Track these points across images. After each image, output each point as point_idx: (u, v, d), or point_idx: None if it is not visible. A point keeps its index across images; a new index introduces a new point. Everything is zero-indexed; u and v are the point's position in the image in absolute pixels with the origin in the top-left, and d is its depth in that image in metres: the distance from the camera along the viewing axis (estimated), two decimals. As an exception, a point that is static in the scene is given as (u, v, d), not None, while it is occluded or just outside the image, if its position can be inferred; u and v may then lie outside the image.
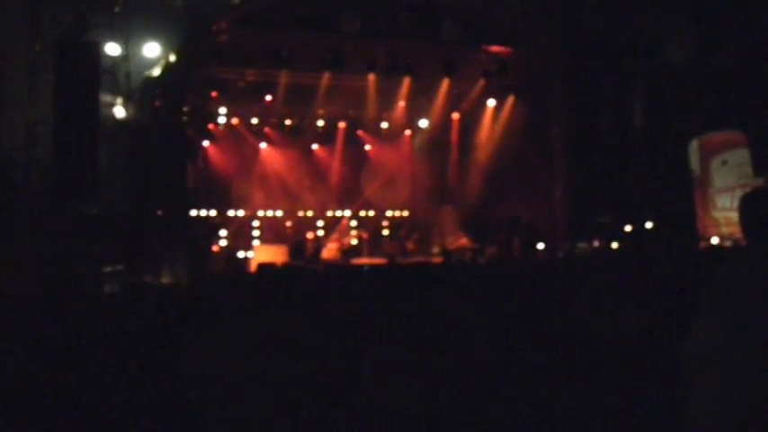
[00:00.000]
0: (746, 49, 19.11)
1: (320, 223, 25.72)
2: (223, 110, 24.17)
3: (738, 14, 18.80)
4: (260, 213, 25.35)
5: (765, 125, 18.75)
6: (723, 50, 19.79)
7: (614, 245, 20.44)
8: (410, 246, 24.87)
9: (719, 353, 3.55)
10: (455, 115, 26.26)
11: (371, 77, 22.42)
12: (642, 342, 4.99)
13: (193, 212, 20.29)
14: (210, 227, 22.64)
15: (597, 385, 4.61)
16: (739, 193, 19.79)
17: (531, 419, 4.45)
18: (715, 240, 20.21)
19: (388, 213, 27.57)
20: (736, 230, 19.29)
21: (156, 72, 19.26)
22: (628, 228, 21.38)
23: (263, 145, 25.34)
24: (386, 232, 27.11)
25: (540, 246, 22.12)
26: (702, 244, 19.99)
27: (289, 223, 25.66)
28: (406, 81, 22.85)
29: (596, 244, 20.78)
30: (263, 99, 23.68)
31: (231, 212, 24.86)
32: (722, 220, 20.75)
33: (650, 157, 21.37)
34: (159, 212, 19.16)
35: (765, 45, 18.54)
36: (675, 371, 3.77)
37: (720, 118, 20.17)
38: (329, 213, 26.32)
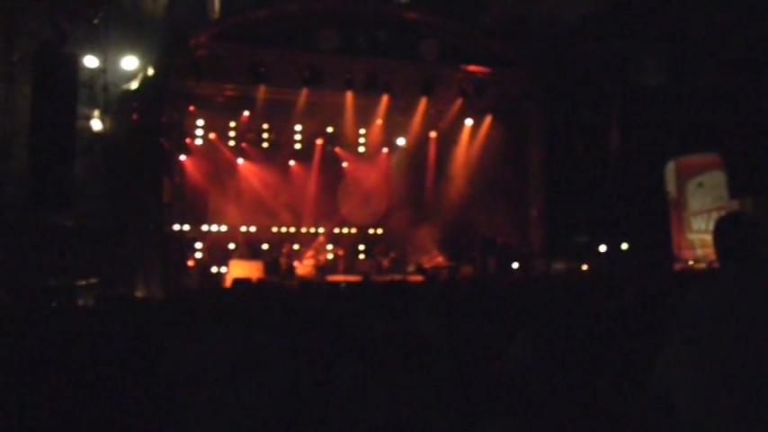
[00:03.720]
0: (722, 71, 19.26)
1: (296, 240, 25.65)
2: (200, 124, 24.13)
3: (714, 37, 18.95)
4: (236, 229, 25.30)
5: (742, 148, 18.89)
6: (699, 73, 19.94)
7: (585, 266, 20.51)
8: (385, 263, 24.85)
9: (689, 377, 3.56)
10: (432, 134, 26.32)
11: (349, 95, 22.43)
12: (615, 361, 4.99)
13: (169, 226, 20.18)
14: (186, 241, 22.53)
15: (574, 402, 4.61)
16: (715, 215, 19.97)
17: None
18: (690, 262, 20.32)
19: (365, 231, 27.57)
20: (710, 252, 19.28)
21: (134, 85, 19.23)
22: (602, 248, 21.47)
23: (240, 160, 25.31)
24: (362, 250, 27.11)
25: (515, 265, 22.19)
26: (677, 265, 20.09)
27: (264, 239, 25.63)
28: (384, 99, 22.85)
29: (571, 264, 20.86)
30: (240, 114, 23.67)
31: (206, 227, 24.80)
32: (697, 242, 20.90)
33: (626, 179, 21.49)
34: (134, 226, 19.09)
35: (741, 68, 18.69)
36: (646, 396, 3.78)
37: (697, 140, 20.32)
38: (305, 230, 26.29)
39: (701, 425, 3.48)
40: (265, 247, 25.20)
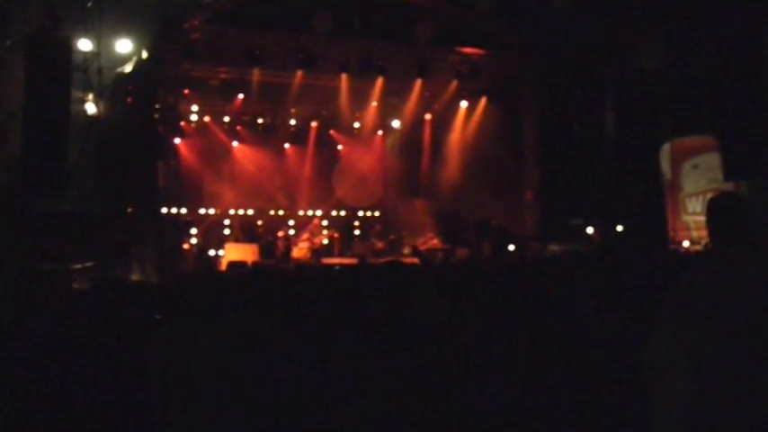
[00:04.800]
0: (718, 53, 19.23)
1: (291, 222, 25.67)
2: (195, 107, 24.13)
3: (710, 19, 18.91)
4: (231, 212, 25.31)
5: (736, 130, 18.88)
6: (694, 55, 19.91)
7: (584, 248, 20.50)
8: (380, 246, 24.87)
9: (680, 359, 3.54)
10: (427, 116, 26.35)
11: (344, 77, 22.38)
12: (611, 343, 5.00)
13: (164, 210, 20.15)
14: (181, 225, 22.50)
15: (569, 385, 4.62)
16: (710, 197, 19.96)
17: (507, 419, 4.45)
18: (685, 244, 20.33)
19: (360, 213, 27.60)
20: (705, 234, 19.40)
21: (128, 69, 19.17)
22: (590, 230, 21.49)
23: (234, 143, 25.30)
24: (357, 232, 27.15)
25: (511, 248, 22.19)
26: (672, 247, 20.09)
27: (260, 222, 25.65)
28: (379, 81, 22.80)
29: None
30: (235, 97, 23.63)
31: (202, 210, 24.82)
32: (692, 224, 20.89)
33: (621, 161, 21.46)
34: (129, 209, 19.06)
35: (736, 49, 18.66)
36: (638, 376, 3.78)
37: (692, 122, 20.28)
38: (300, 213, 26.33)
39: (692, 408, 3.47)
40: (261, 228, 25.25)
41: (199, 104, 24.08)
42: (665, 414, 3.56)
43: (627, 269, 7.87)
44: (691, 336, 3.55)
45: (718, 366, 3.45)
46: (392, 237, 25.54)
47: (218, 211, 25.14)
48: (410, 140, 26.89)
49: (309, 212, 26.29)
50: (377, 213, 27.71)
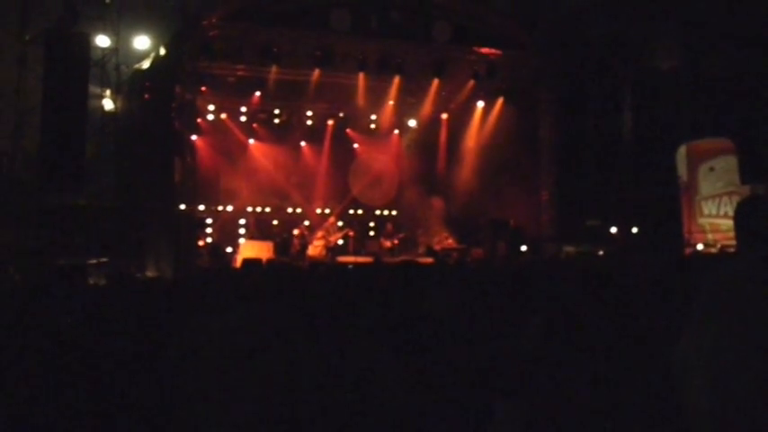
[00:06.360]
0: (735, 55, 19.16)
1: (307, 221, 25.69)
2: (212, 105, 24.16)
3: (727, 21, 18.85)
4: (246, 209, 25.36)
5: (753, 133, 18.81)
6: (712, 57, 19.84)
7: (600, 250, 20.46)
8: (389, 245, 24.87)
9: (711, 358, 3.54)
10: (444, 116, 26.34)
11: (361, 76, 22.36)
12: (625, 344, 4.99)
13: (179, 206, 20.20)
14: (196, 221, 22.54)
15: (583, 385, 4.61)
16: (726, 200, 19.89)
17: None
18: (700, 247, 20.26)
19: (376, 212, 27.63)
20: (721, 237, 19.35)
21: (146, 65, 19.24)
22: (613, 230, 21.44)
23: (251, 141, 25.34)
24: (372, 231, 27.17)
25: (526, 248, 22.17)
26: (688, 250, 20.04)
27: (275, 220, 25.69)
28: (396, 80, 22.78)
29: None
30: (252, 95, 23.66)
31: (217, 207, 24.87)
32: (708, 227, 20.80)
33: (638, 162, 21.41)
34: (145, 205, 19.12)
35: (754, 52, 18.59)
36: (668, 373, 3.77)
37: (709, 125, 20.22)
38: (316, 211, 26.34)
39: (720, 409, 3.47)
40: (276, 226, 25.32)
41: (216, 102, 24.10)
42: (699, 406, 3.56)
43: (641, 270, 7.85)
44: (713, 338, 3.55)
45: (745, 367, 3.44)
46: (401, 235, 25.50)
47: (234, 208, 25.20)
48: (426, 140, 26.90)
49: (325, 210, 26.29)
50: (393, 212, 27.72)
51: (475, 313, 5.52)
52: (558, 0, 21.39)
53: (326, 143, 26.31)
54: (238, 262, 19.86)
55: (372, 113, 26.19)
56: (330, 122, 26.25)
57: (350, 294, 6.22)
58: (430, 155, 26.81)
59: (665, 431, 4.03)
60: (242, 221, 25.22)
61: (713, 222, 20.50)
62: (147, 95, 19.44)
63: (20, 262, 15.13)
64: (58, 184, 16.81)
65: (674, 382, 3.73)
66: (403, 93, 23.75)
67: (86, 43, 17.21)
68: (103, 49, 17.84)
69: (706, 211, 21.08)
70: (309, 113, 25.91)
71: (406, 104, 25.43)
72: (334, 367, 4.41)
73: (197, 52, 19.79)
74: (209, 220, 24.14)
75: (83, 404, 4.86)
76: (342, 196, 26.58)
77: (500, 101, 24.25)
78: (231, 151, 24.87)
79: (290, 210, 26.25)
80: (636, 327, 4.92)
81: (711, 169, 21.08)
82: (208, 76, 21.63)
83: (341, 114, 26.19)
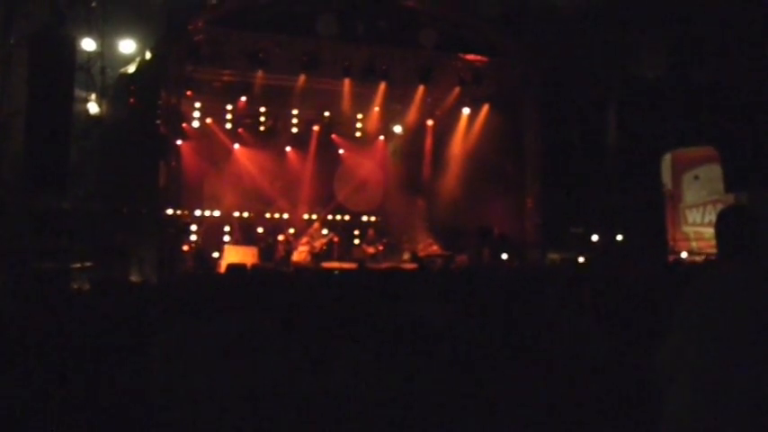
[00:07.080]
0: (720, 64, 19.24)
1: (291, 226, 25.65)
2: (197, 110, 24.14)
3: (712, 29, 18.93)
4: (232, 214, 25.31)
5: (738, 141, 18.88)
6: (697, 66, 19.92)
7: (582, 258, 20.50)
8: (372, 251, 24.87)
9: (692, 365, 3.56)
10: (429, 122, 26.40)
11: (347, 82, 22.43)
12: (609, 351, 5.01)
13: (164, 211, 20.15)
14: (181, 226, 22.50)
15: (563, 393, 4.63)
16: (710, 208, 20.00)
17: (501, 422, 4.46)
18: (684, 255, 20.34)
19: (360, 218, 27.61)
20: (705, 245, 19.44)
21: (132, 69, 19.16)
22: (594, 238, 21.48)
23: (236, 146, 25.31)
24: (357, 237, 27.15)
25: (508, 256, 22.18)
26: (672, 258, 20.10)
27: (260, 226, 25.65)
28: (382, 86, 22.86)
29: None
30: (237, 99, 23.69)
31: (202, 212, 24.80)
32: (692, 235, 20.90)
33: (622, 170, 21.47)
34: (130, 210, 19.04)
35: (739, 61, 18.67)
36: (649, 380, 3.79)
37: (693, 133, 20.30)
38: (302, 216, 26.29)
39: (698, 410, 3.49)
40: (261, 231, 25.26)
41: (201, 106, 24.11)
42: (675, 414, 3.58)
43: (625, 278, 7.87)
44: (696, 344, 3.57)
45: (721, 375, 3.46)
46: (385, 241, 25.50)
47: (219, 213, 25.14)
48: (412, 146, 26.97)
49: (309, 216, 26.24)
50: (377, 218, 27.71)
51: (461, 319, 5.53)
52: (545, 8, 21.39)
53: (312, 149, 26.30)
54: (223, 267, 19.84)
55: (358, 119, 26.24)
56: (316, 128, 26.26)
57: (334, 300, 6.23)
58: (415, 161, 26.89)
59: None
60: (227, 227, 25.16)
61: (697, 230, 20.60)
62: (132, 99, 19.36)
63: (3, 265, 15.06)
64: (43, 187, 16.71)
65: (657, 387, 3.75)
66: (389, 99, 23.82)
67: (72, 46, 17.10)
68: (89, 53, 17.73)
69: (690, 220, 21.18)
70: (295, 118, 25.93)
71: (392, 110, 25.50)
72: (318, 372, 4.40)
73: (183, 57, 19.79)
74: (193, 226, 24.08)
75: (63, 410, 4.84)
76: (326, 202, 26.54)
77: (486, 108, 24.35)
78: (216, 156, 24.83)
79: (275, 215, 26.19)
80: (621, 333, 4.94)
81: (696, 177, 21.20)
82: (193, 80, 21.64)
83: (326, 120, 26.17)
